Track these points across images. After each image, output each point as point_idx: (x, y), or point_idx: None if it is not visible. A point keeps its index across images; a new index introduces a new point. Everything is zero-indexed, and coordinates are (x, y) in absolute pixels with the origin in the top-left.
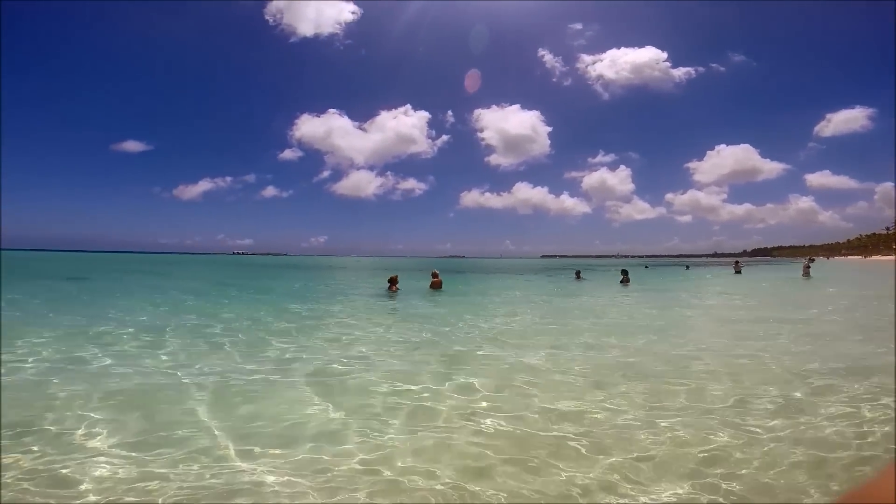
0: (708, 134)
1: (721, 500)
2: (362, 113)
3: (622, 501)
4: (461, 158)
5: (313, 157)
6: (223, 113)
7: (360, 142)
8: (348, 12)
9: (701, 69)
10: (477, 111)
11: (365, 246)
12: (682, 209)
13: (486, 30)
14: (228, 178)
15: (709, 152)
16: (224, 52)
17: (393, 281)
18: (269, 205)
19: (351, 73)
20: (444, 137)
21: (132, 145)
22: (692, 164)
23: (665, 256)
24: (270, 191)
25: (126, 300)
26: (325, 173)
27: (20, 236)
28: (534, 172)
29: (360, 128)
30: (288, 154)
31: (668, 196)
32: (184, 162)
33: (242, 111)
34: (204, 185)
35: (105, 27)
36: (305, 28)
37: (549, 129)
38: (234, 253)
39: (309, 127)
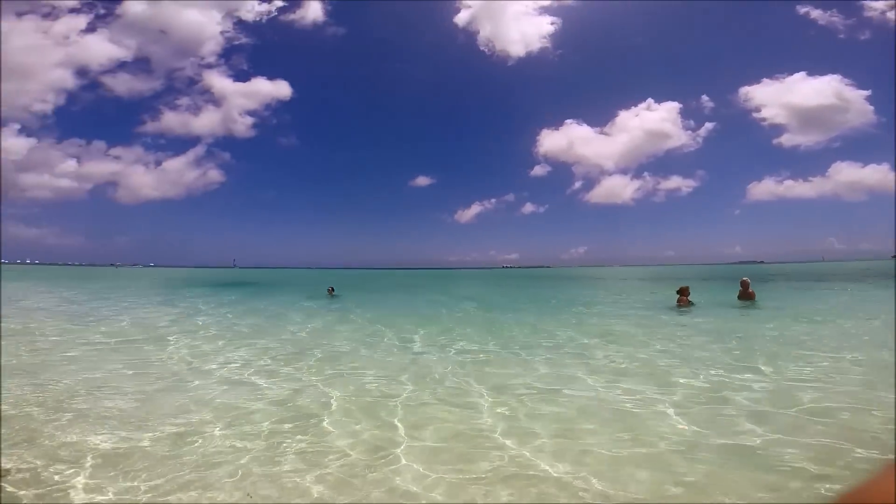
0: None
1: None
2: (599, 117)
3: None
4: (738, 145)
5: (561, 169)
6: (479, 143)
7: (605, 147)
8: (547, 24)
9: None
10: (743, 89)
11: (628, 254)
12: None
13: (718, 4)
14: (493, 200)
15: None
16: (461, 89)
17: (683, 293)
18: (528, 220)
19: (573, 80)
20: (708, 125)
21: (422, 180)
22: None
23: None
24: (528, 207)
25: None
26: (577, 184)
27: (346, 258)
28: (857, 148)
29: (601, 133)
30: (538, 171)
31: None
32: (459, 190)
33: (492, 139)
34: (475, 209)
35: (385, 87)
36: (517, 49)
37: (866, 92)
38: (503, 267)
39: (550, 141)
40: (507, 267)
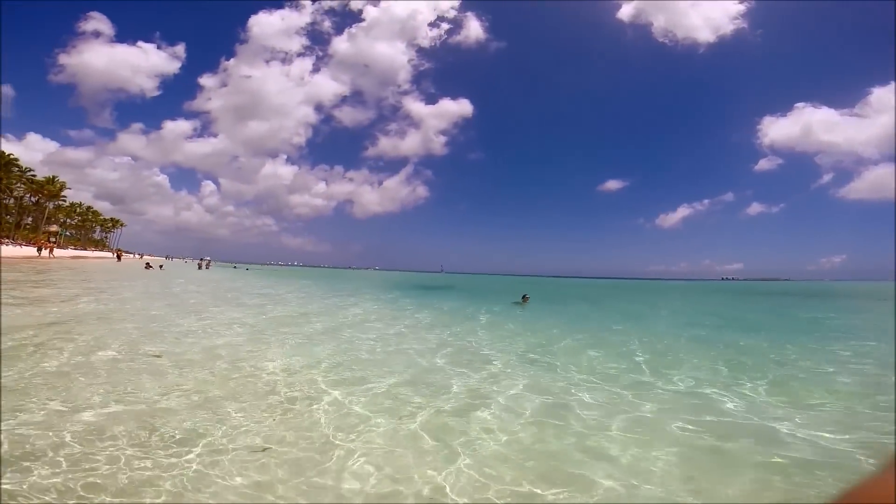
0: None
1: None
2: (843, 97)
3: None
4: None
5: (797, 161)
6: (679, 140)
7: (860, 132)
8: (735, 3)
9: None
10: None
11: None
12: None
13: None
14: (706, 201)
15: None
16: (645, 85)
17: None
18: (755, 223)
19: (793, 59)
20: None
21: (613, 184)
22: None
23: None
24: (755, 208)
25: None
26: (825, 178)
27: (536, 265)
28: None
29: (850, 115)
30: (764, 164)
31: None
32: (659, 192)
33: (697, 133)
34: (682, 212)
35: (557, 93)
36: (705, 35)
37: None
38: (722, 279)
39: (778, 129)
40: (728, 279)
